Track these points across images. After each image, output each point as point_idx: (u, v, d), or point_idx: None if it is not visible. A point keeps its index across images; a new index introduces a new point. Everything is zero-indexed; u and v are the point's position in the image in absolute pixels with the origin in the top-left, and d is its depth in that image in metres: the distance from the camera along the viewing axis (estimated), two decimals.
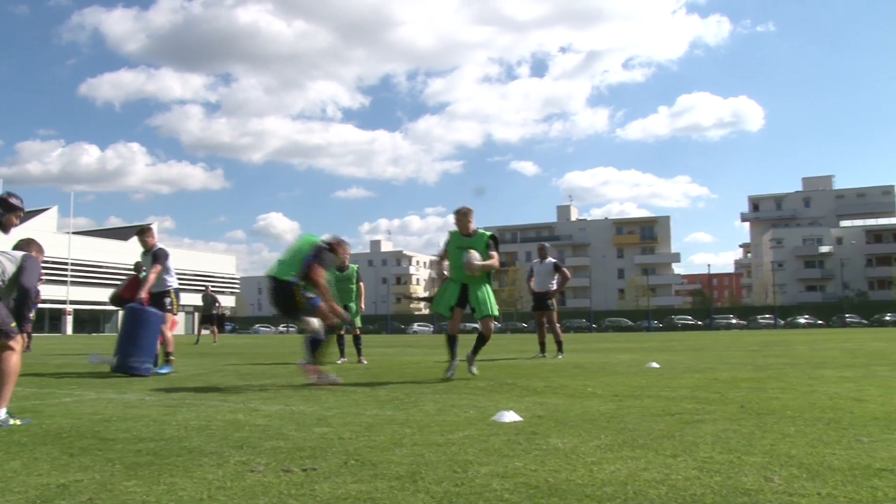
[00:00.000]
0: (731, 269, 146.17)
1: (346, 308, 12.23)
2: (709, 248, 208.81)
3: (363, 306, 12.51)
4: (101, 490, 2.87)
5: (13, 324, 4.83)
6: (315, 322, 7.63)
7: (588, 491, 2.78)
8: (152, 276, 9.61)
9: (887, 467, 3.09)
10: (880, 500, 2.61)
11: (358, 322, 12.28)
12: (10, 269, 4.87)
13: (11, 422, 4.64)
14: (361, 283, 12.43)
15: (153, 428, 4.49)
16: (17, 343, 4.89)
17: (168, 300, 9.83)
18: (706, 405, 5.36)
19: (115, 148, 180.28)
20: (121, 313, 9.81)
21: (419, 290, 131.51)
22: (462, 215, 8.52)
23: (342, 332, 12.35)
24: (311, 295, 7.54)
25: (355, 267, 12.53)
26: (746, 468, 3.12)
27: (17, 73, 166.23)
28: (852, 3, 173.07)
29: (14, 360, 4.82)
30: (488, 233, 8.51)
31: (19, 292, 4.92)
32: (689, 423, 4.44)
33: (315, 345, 7.73)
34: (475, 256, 8.07)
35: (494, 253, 8.33)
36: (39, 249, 5.23)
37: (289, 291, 7.47)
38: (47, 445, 3.88)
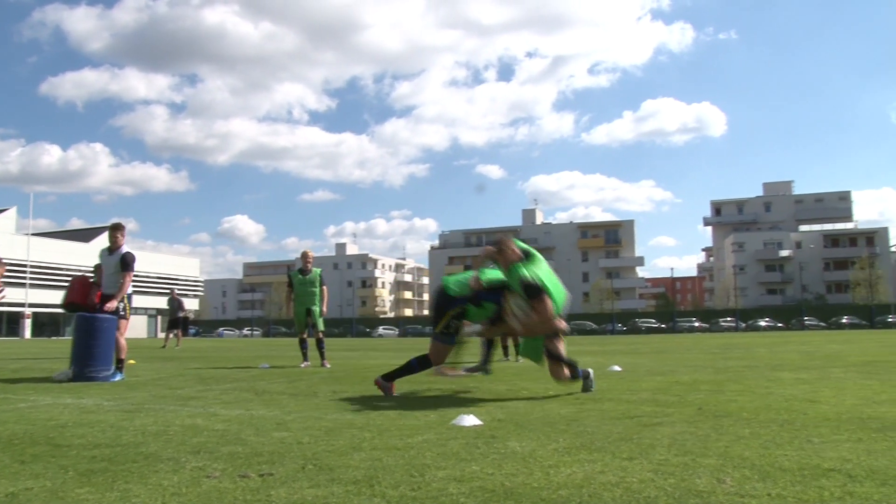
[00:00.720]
0: (694, 273, 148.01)
1: (309, 312, 12.21)
2: (672, 251, 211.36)
3: (325, 310, 12.48)
4: (52, 498, 2.83)
5: None
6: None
7: (543, 494, 2.80)
8: (127, 284, 9.45)
9: (835, 467, 3.16)
10: (827, 500, 2.66)
11: (321, 325, 12.25)
12: None
13: None
14: (325, 287, 12.42)
15: (109, 434, 4.43)
16: None
17: (122, 305, 9.62)
18: (665, 408, 5.42)
19: (78, 148, 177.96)
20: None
21: (385, 294, 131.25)
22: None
23: (304, 336, 12.32)
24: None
25: (318, 270, 12.52)
26: (700, 470, 3.17)
27: None
28: (812, 12, 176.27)
29: None
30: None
31: None
32: (648, 426, 4.48)
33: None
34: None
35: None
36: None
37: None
38: None
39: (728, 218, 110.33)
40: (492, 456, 3.56)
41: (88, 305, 9.70)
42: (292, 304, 12.30)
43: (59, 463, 3.50)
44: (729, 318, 70.06)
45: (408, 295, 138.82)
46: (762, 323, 68.61)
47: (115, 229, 9.71)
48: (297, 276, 12.36)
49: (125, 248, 9.60)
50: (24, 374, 10.40)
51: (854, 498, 2.68)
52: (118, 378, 9.20)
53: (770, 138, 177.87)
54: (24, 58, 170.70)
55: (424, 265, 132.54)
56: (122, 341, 9.57)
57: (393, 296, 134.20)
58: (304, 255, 12.51)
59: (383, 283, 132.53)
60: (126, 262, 9.44)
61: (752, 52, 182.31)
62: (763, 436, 4.03)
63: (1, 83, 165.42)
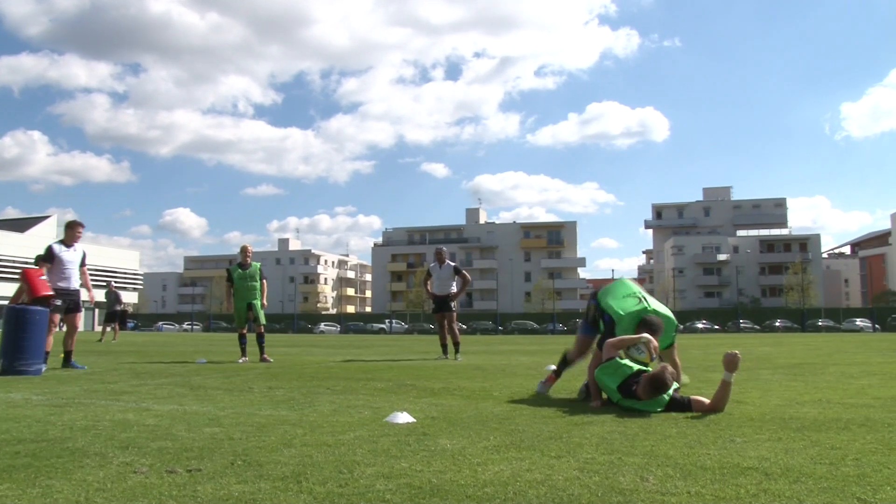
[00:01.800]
0: (634, 275, 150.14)
1: (250, 306, 12.11)
2: (614, 253, 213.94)
3: (266, 303, 12.41)
4: None
5: None
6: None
7: (469, 491, 2.84)
8: (88, 278, 10.38)
9: (753, 466, 3.26)
10: (742, 497, 2.75)
11: (262, 320, 12.18)
12: None
13: None
14: (265, 281, 12.37)
15: (35, 428, 4.35)
16: None
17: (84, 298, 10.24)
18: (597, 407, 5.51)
19: (14, 135, 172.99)
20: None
21: (327, 290, 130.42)
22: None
23: (244, 332, 12.23)
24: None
25: (258, 265, 12.45)
26: (625, 468, 3.24)
27: None
28: (752, 22, 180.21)
29: None
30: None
31: None
32: (578, 425, 4.56)
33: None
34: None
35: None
36: None
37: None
38: None
39: (668, 221, 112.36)
40: (422, 453, 3.59)
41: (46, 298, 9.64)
42: (232, 299, 12.21)
43: None
44: None
45: (350, 292, 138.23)
46: (699, 325, 69.94)
47: (78, 226, 10.25)
48: (236, 270, 12.27)
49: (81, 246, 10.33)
50: None
51: (768, 495, 2.78)
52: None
53: (710, 144, 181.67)
54: None
55: (367, 262, 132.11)
56: (50, 337, 9.52)
57: (335, 292, 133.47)
58: (244, 250, 12.43)
59: (326, 279, 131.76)
60: (84, 257, 10.35)
61: (694, 59, 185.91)
62: (689, 435, 4.14)
63: None
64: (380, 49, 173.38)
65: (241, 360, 11.79)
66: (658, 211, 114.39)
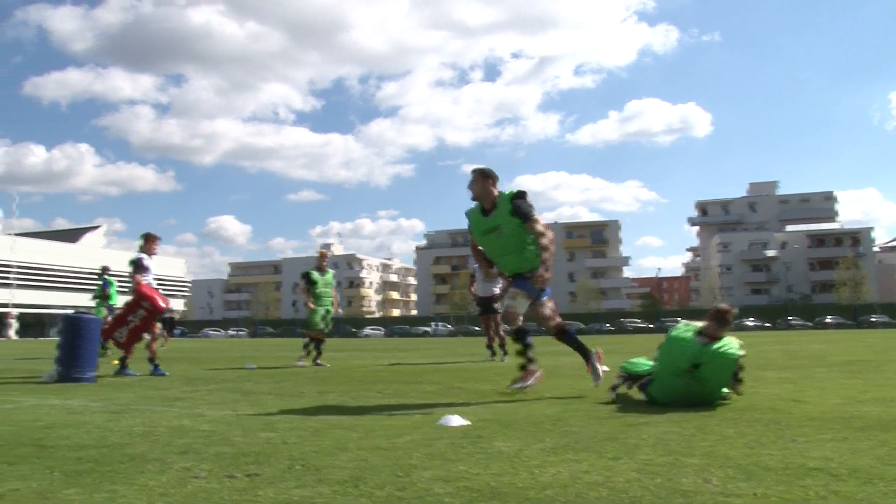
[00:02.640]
0: (679, 273, 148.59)
1: (326, 312, 12.16)
2: (658, 251, 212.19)
3: (339, 311, 12.55)
4: (38, 499, 2.83)
5: None
6: None
7: (529, 494, 2.82)
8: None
9: (819, 466, 3.19)
10: (811, 499, 2.69)
11: (328, 328, 12.30)
12: None
13: None
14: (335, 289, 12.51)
15: (95, 435, 4.42)
16: None
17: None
18: (650, 407, 5.45)
19: (63, 148, 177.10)
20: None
21: (371, 294, 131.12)
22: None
23: (320, 336, 12.31)
24: None
25: (332, 272, 12.54)
26: (685, 470, 3.19)
27: None
28: (795, 13, 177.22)
29: None
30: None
31: None
32: (633, 426, 4.51)
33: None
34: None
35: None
36: None
37: None
38: None
39: (713, 218, 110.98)
40: (478, 456, 3.57)
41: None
42: (312, 303, 12.15)
43: (46, 464, 3.49)
44: None
45: (394, 295, 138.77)
46: (748, 323, 68.96)
47: (155, 238, 10.72)
48: (315, 273, 12.30)
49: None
50: (8, 375, 10.35)
51: (837, 497, 2.71)
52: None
53: (755, 139, 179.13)
54: (7, 57, 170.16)
55: (411, 265, 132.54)
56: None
57: (379, 296, 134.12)
58: (322, 256, 12.43)
59: (370, 283, 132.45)
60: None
61: (736, 53, 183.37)
62: (748, 435, 4.06)
63: None
64: (417, 52, 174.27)
65: (301, 363, 11.88)
66: (702, 208, 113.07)
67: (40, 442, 4.17)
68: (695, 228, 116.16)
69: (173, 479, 3.14)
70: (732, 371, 5.42)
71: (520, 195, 6.40)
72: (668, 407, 5.39)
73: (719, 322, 5.43)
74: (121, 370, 10.05)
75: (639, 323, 73.06)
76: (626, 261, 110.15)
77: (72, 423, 4.95)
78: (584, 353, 6.70)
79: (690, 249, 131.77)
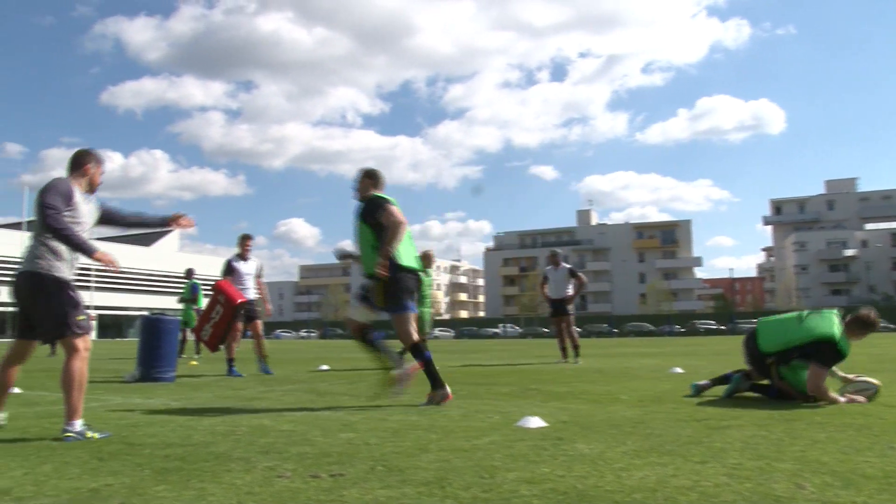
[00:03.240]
0: (753, 273, 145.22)
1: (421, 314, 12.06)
2: (730, 251, 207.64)
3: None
4: (131, 494, 2.89)
5: (79, 317, 4.58)
6: None
7: (617, 497, 2.76)
8: (265, 289, 11.02)
9: None
10: None
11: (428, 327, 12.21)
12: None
13: (88, 434, 4.31)
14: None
15: (180, 433, 4.51)
16: (83, 342, 4.58)
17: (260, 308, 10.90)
18: (732, 410, 5.32)
19: (139, 155, 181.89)
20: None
21: (440, 296, 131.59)
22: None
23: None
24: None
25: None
26: (777, 475, 3.09)
27: (41, 83, 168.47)
28: (868, 5, 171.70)
29: (76, 364, 4.48)
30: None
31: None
32: (717, 429, 4.40)
33: None
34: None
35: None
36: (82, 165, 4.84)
37: None
38: (76, 450, 3.91)
39: (789, 217, 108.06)
40: (560, 458, 3.52)
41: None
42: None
43: (135, 461, 3.57)
44: None
45: (463, 297, 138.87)
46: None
47: (248, 238, 10.86)
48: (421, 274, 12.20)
49: (256, 260, 10.89)
50: (92, 375, 10.64)
51: None
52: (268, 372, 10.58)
53: (832, 135, 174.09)
54: (87, 69, 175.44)
55: (479, 267, 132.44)
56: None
57: (448, 298, 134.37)
58: (429, 256, 12.32)
59: (438, 284, 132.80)
60: (260, 272, 10.98)
61: (811, 46, 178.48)
62: (840, 441, 3.92)
63: (66, 94, 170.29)
64: (484, 54, 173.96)
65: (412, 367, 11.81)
66: (777, 206, 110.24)
67: (127, 440, 4.26)
68: (769, 228, 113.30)
69: (259, 478, 3.17)
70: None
71: (372, 199, 6.23)
72: (750, 407, 5.25)
73: (863, 328, 5.88)
74: (229, 371, 10.24)
75: (711, 325, 71.46)
76: (697, 261, 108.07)
77: (156, 422, 5.06)
78: (435, 382, 6.37)
79: (764, 249, 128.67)
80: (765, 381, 6.08)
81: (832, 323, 5.72)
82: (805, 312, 6.02)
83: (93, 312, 74.76)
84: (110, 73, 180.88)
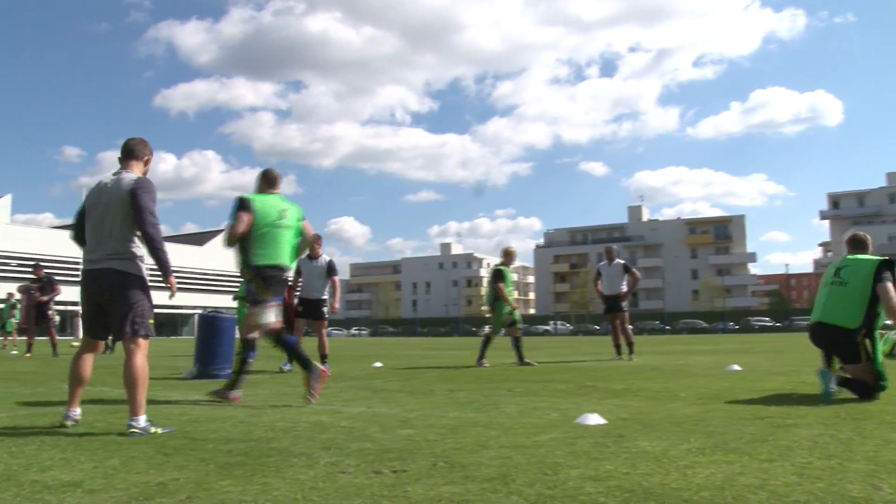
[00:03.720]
0: (809, 269, 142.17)
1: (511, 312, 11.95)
2: (786, 247, 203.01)
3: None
4: (197, 489, 2.92)
5: (150, 319, 4.76)
6: None
7: (685, 495, 2.71)
8: (337, 288, 10.83)
9: None
10: None
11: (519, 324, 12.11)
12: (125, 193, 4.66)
13: (152, 430, 4.40)
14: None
15: (241, 429, 4.56)
16: (143, 343, 4.72)
17: (326, 308, 10.85)
18: (796, 409, 5.21)
19: (191, 156, 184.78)
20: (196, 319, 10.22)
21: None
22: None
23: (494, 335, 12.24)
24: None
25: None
26: (850, 475, 3.01)
27: (98, 87, 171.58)
28: None
29: (139, 360, 4.61)
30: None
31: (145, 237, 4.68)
32: (781, 427, 4.31)
33: None
34: None
35: None
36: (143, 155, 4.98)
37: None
38: (141, 445, 3.98)
39: (847, 211, 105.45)
40: (623, 455, 3.48)
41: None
42: (511, 301, 11.90)
43: (199, 456, 3.62)
44: None
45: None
46: (890, 322, 65.07)
47: (318, 238, 10.70)
48: (507, 270, 12.10)
49: (325, 256, 10.77)
50: (150, 373, 10.83)
51: None
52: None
53: (893, 125, 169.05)
54: (141, 73, 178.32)
55: (529, 264, 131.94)
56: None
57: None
58: (510, 253, 12.23)
59: (488, 282, 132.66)
60: (332, 268, 10.74)
61: (871, 34, 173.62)
62: None
63: (121, 97, 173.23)
64: (533, 50, 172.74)
65: (485, 364, 11.81)
66: (834, 200, 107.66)
67: (190, 435, 4.33)
68: (826, 222, 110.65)
69: (322, 473, 3.19)
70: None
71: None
72: (814, 405, 5.14)
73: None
74: (284, 365, 10.63)
75: (766, 322, 70.18)
76: (751, 257, 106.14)
77: (217, 418, 5.13)
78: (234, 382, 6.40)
79: (822, 244, 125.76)
80: (847, 375, 5.92)
81: (867, 255, 6.21)
82: (830, 271, 6.26)
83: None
84: (163, 76, 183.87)
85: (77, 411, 4.79)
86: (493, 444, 3.86)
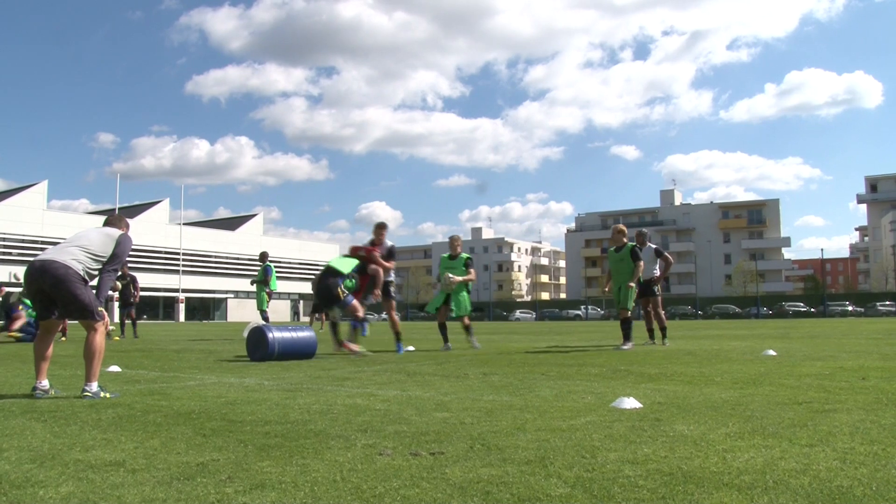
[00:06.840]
0: (845, 254, 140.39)
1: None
2: (821, 231, 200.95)
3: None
4: (237, 469, 2.95)
5: (99, 308, 5.59)
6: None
7: (725, 479, 2.69)
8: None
9: None
10: None
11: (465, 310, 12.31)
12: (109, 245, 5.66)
13: (103, 394, 5.37)
14: (472, 271, 12.23)
15: (277, 411, 4.59)
16: (101, 325, 5.61)
17: (394, 289, 11.45)
18: (835, 394, 5.14)
19: (224, 142, 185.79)
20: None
21: (521, 278, 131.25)
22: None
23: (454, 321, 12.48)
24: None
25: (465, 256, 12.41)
26: (895, 461, 2.96)
27: (132, 74, 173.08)
28: None
29: (98, 339, 5.54)
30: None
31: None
32: (821, 412, 4.26)
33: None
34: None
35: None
36: (127, 225, 5.98)
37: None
38: (180, 426, 4.02)
39: (886, 194, 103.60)
40: (660, 439, 3.46)
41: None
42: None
43: (237, 437, 3.65)
44: (888, 302, 65.17)
45: (544, 278, 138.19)
46: None
47: (383, 227, 11.35)
48: (444, 259, 12.42)
49: (388, 242, 11.29)
50: (186, 356, 10.97)
51: None
52: (401, 351, 11.35)
53: None
54: (174, 60, 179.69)
55: (561, 248, 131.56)
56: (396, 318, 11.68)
57: (529, 279, 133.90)
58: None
59: (519, 266, 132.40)
60: (392, 253, 11.33)
61: None
62: None
63: (155, 84, 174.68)
64: (565, 34, 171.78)
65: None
66: (872, 184, 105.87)
67: (227, 417, 4.37)
68: (863, 206, 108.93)
69: (359, 455, 3.20)
70: None
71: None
72: (853, 391, 5.07)
73: None
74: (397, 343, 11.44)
75: (801, 307, 69.31)
76: (786, 242, 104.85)
77: (253, 400, 5.17)
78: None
79: (858, 229, 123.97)
80: None
81: None
82: None
83: (181, 296, 77.28)
84: (195, 62, 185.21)
85: (45, 383, 5.53)
86: (529, 427, 3.86)
